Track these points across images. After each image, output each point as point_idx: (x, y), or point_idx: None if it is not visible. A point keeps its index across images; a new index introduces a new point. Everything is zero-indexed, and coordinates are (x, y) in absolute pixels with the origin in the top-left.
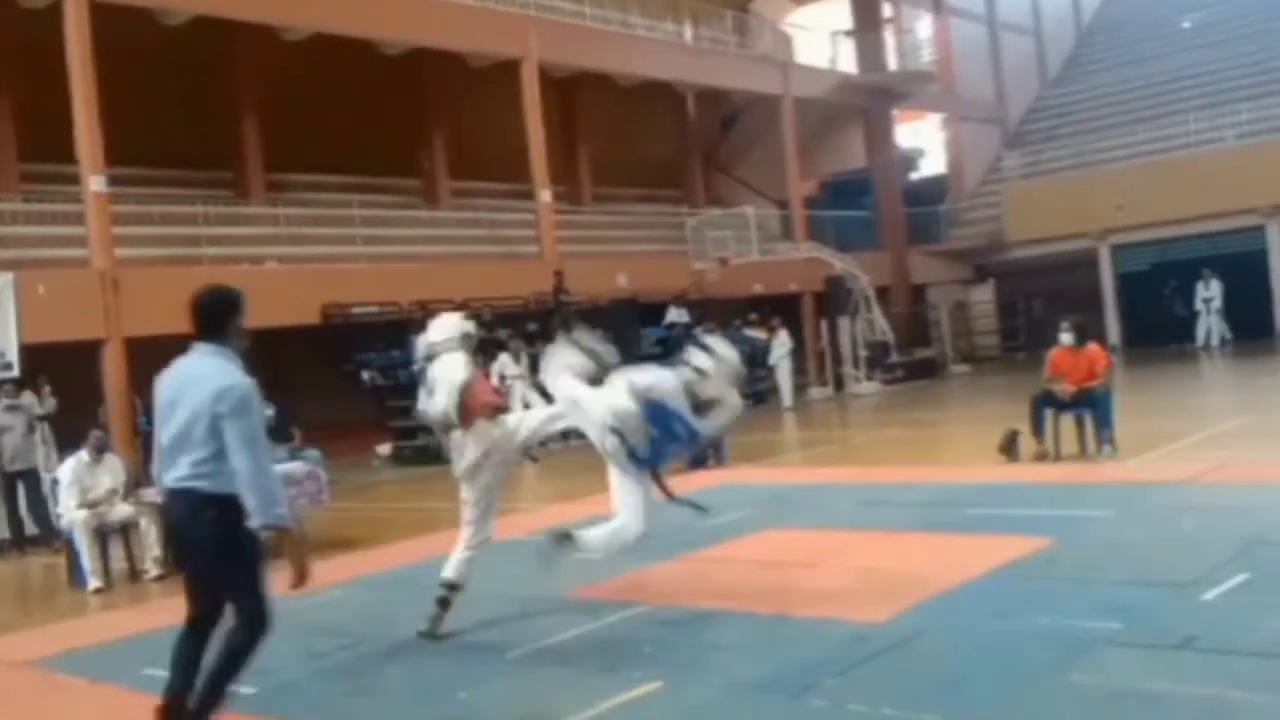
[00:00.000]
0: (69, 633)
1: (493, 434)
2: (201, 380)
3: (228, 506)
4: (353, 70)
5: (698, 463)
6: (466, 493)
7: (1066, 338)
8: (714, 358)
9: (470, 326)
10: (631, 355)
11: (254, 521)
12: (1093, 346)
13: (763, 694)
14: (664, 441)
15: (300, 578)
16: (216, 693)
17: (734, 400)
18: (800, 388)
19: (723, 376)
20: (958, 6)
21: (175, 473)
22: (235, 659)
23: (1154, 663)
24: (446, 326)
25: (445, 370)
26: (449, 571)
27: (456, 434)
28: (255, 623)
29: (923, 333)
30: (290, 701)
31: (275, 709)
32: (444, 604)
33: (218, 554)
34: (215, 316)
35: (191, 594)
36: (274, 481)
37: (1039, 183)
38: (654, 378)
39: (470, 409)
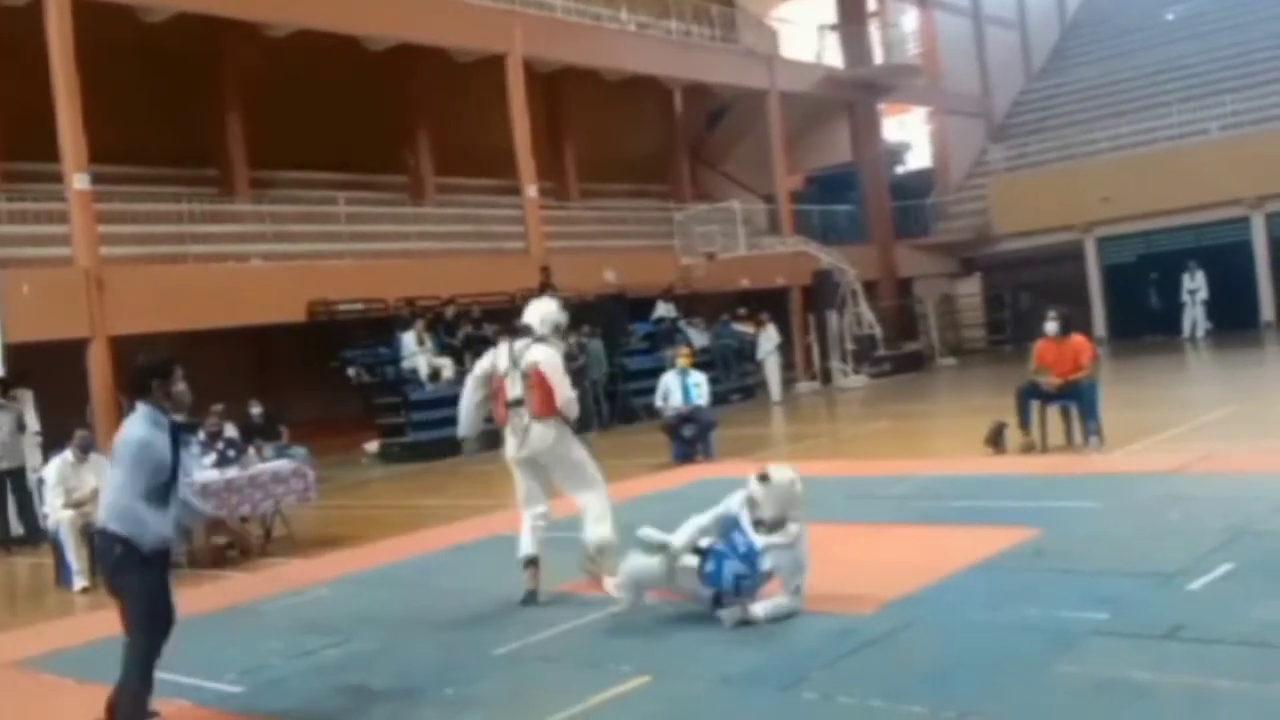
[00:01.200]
0: (56, 632)
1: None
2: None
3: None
4: (337, 67)
5: (685, 458)
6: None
7: (1051, 327)
8: (766, 486)
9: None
10: (619, 349)
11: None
12: (1078, 337)
13: (752, 687)
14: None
15: None
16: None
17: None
18: (788, 382)
19: (776, 500)
20: (943, 0)
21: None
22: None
23: (1141, 652)
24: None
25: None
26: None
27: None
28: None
29: (909, 326)
30: (279, 698)
31: (263, 706)
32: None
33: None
34: (137, 382)
35: None
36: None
37: (1024, 175)
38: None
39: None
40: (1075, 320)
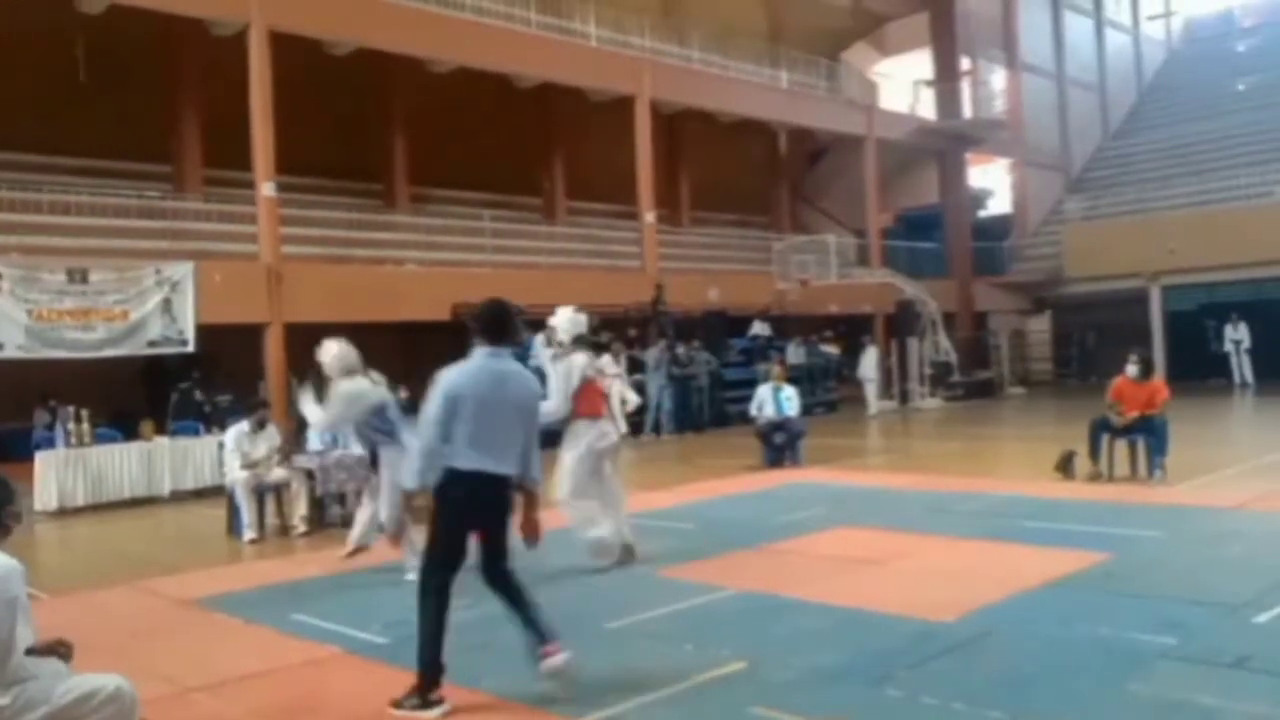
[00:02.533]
0: (227, 577)
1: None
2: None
3: None
4: (489, 100)
5: (775, 463)
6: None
7: (1132, 369)
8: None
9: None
10: (721, 360)
11: None
12: (1157, 380)
13: (841, 680)
14: None
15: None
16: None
17: None
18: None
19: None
20: (1030, 63)
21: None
22: None
23: (1208, 679)
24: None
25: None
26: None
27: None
28: None
29: (983, 356)
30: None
31: (404, 659)
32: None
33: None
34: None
35: None
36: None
37: (1097, 225)
38: None
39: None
40: (1152, 365)
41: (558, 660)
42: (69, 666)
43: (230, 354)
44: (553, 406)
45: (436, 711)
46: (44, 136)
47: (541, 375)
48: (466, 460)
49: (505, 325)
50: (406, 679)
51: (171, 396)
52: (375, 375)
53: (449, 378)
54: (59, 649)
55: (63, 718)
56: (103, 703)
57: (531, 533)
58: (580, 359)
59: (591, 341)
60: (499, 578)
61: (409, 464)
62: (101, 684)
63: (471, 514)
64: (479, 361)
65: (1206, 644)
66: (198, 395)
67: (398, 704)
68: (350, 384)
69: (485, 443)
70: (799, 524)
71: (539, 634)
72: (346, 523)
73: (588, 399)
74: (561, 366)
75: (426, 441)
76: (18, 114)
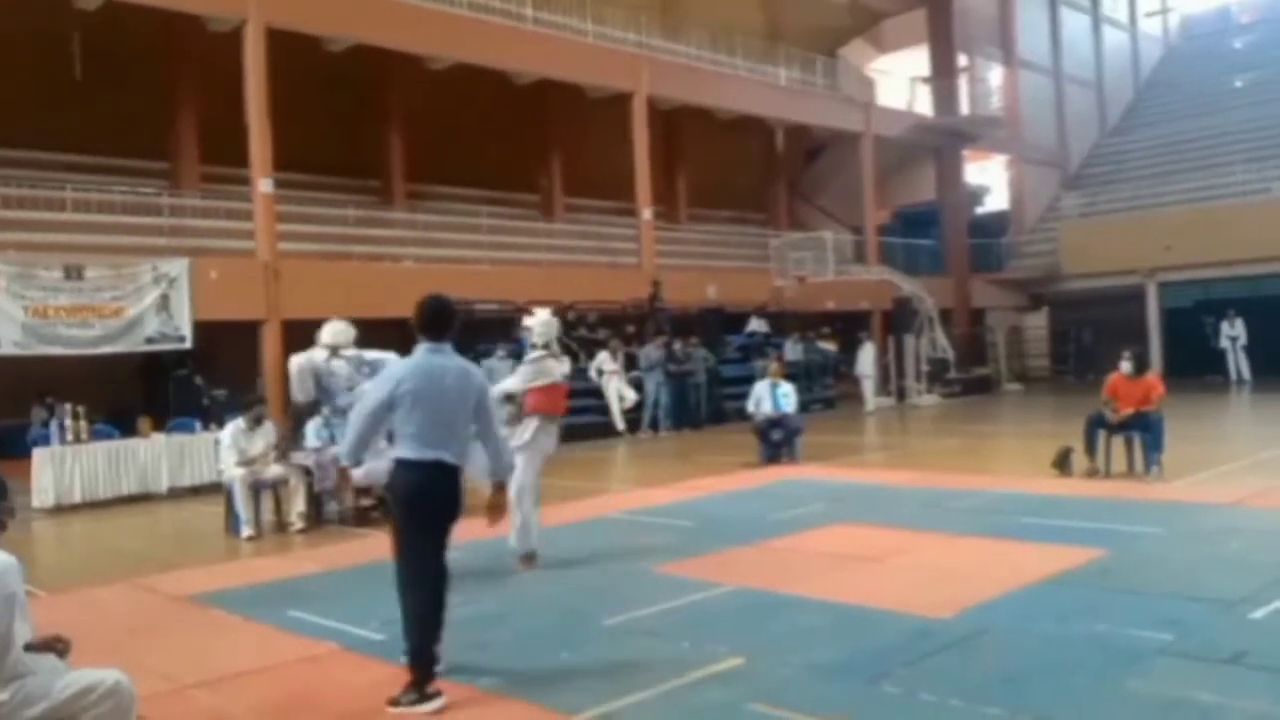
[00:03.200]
0: (224, 573)
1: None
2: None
3: None
4: (486, 97)
5: (772, 459)
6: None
7: (1126, 366)
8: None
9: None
10: (716, 357)
11: None
12: (1151, 376)
13: (839, 677)
14: None
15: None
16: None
17: None
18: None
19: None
20: (1027, 59)
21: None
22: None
23: (1206, 675)
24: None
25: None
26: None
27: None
28: None
29: (980, 353)
30: None
31: (400, 655)
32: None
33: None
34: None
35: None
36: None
37: (1094, 222)
38: None
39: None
40: (1146, 362)
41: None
42: (66, 662)
43: (228, 350)
44: (513, 383)
45: (434, 705)
46: (40, 133)
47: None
48: (411, 450)
49: (445, 320)
50: (403, 675)
51: (170, 387)
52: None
53: (389, 371)
54: (56, 645)
55: (62, 712)
56: (102, 697)
57: (495, 516)
58: (553, 365)
59: (566, 345)
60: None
61: (344, 441)
62: (100, 678)
63: (423, 500)
64: (419, 357)
65: (1204, 640)
66: (197, 381)
67: (395, 702)
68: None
69: (426, 433)
70: (796, 521)
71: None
72: (344, 520)
73: (550, 396)
74: (535, 367)
75: (359, 430)
76: (14, 111)
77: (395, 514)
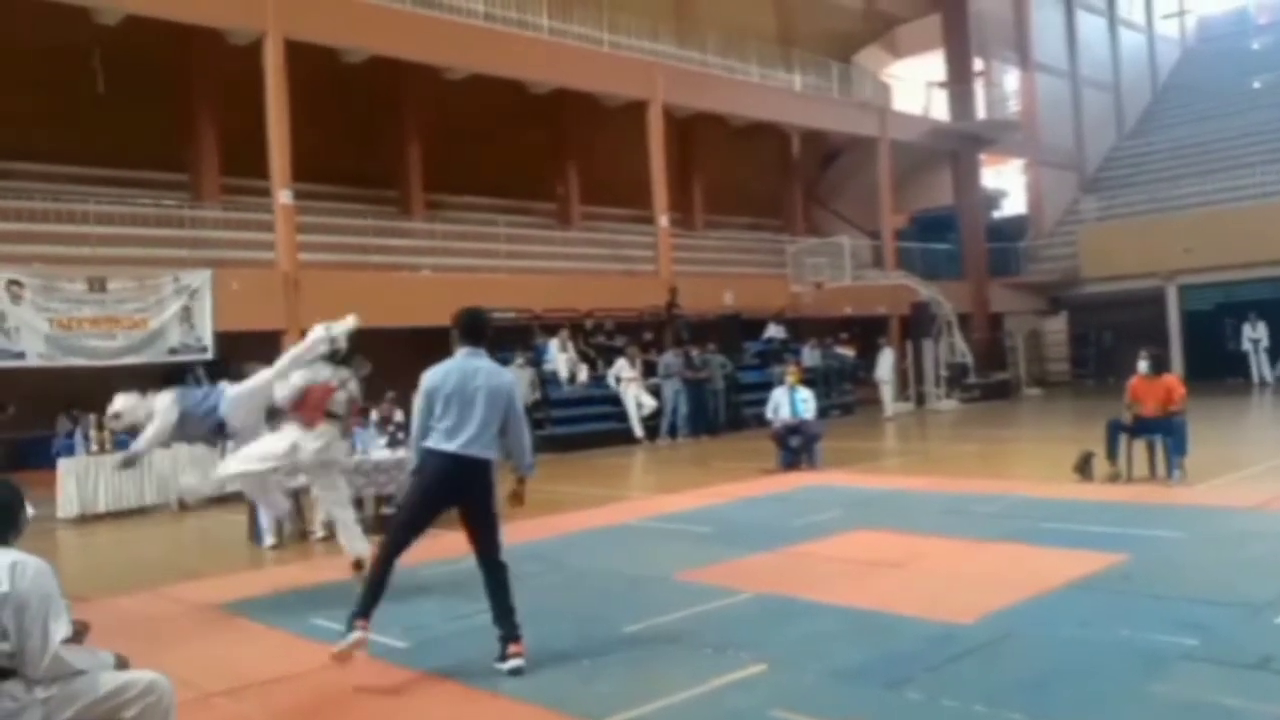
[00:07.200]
0: (247, 582)
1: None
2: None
3: None
4: (503, 106)
5: (791, 465)
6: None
7: (1143, 366)
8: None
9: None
10: (736, 363)
11: None
12: (1169, 377)
13: (861, 683)
14: None
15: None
16: None
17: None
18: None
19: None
20: (1043, 63)
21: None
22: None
23: (1231, 680)
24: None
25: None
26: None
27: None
28: None
29: (999, 357)
30: (438, 656)
31: (423, 662)
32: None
33: None
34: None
35: None
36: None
37: (1113, 225)
38: None
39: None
40: (1164, 361)
41: (518, 661)
42: (85, 643)
43: (248, 361)
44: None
45: (349, 639)
46: (63, 147)
47: (554, 375)
48: (436, 441)
49: (480, 328)
50: (427, 682)
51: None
52: None
53: (427, 376)
54: (75, 625)
55: (100, 707)
56: (140, 694)
57: (517, 503)
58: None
59: (584, 353)
60: (490, 566)
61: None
62: (137, 677)
63: (435, 486)
64: (456, 360)
65: (1228, 645)
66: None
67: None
68: None
69: (453, 427)
70: (816, 527)
71: (507, 629)
72: (364, 528)
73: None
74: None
75: (415, 433)
76: (37, 125)
77: (409, 491)
